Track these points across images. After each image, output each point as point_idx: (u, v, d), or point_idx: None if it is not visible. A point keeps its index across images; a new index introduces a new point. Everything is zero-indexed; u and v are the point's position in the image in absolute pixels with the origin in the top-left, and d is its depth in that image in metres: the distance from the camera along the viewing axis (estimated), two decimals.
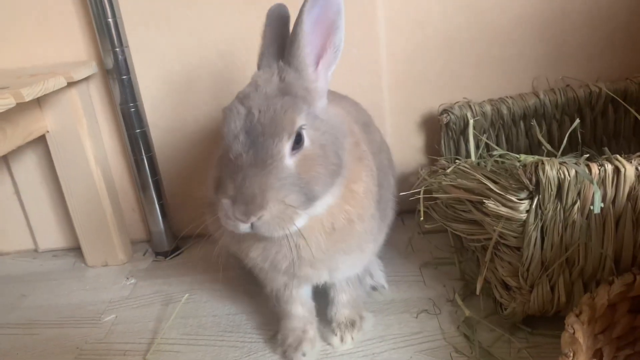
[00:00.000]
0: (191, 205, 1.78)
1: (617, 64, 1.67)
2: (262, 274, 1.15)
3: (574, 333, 0.92)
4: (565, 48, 1.65)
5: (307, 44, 0.96)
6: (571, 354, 0.87)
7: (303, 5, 0.93)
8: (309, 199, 0.90)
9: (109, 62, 1.56)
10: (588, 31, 1.63)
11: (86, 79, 1.58)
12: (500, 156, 1.49)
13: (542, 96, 1.62)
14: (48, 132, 1.57)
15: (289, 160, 0.89)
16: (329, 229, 0.99)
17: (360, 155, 1.07)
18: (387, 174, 1.27)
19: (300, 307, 1.23)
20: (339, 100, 1.15)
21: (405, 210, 1.47)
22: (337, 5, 0.96)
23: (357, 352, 1.21)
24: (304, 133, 0.92)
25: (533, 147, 1.69)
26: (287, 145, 0.89)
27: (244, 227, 0.87)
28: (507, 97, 1.64)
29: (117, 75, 1.57)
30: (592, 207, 1.00)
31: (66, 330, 1.42)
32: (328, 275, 1.10)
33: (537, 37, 1.63)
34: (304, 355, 1.17)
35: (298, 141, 0.90)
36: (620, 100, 1.59)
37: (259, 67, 1.04)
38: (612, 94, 1.59)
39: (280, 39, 1.04)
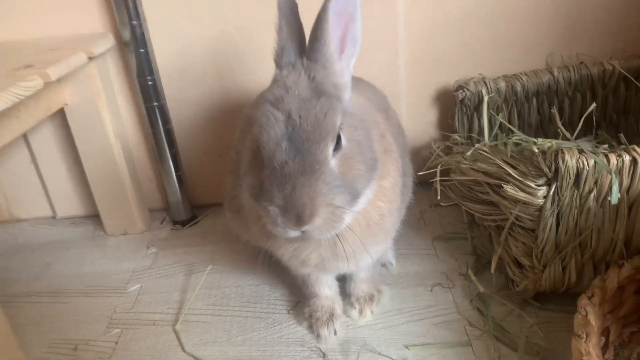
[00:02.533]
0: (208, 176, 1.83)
1: (631, 42, 1.68)
2: (289, 265, 1.17)
3: (586, 315, 0.99)
4: (580, 25, 1.66)
5: (333, 40, 0.95)
6: (584, 336, 0.95)
7: (327, 1, 0.91)
8: (354, 196, 0.92)
9: (126, 35, 1.56)
10: (603, 9, 1.63)
11: (103, 52, 1.57)
12: (515, 135, 1.52)
13: (555, 73, 1.64)
14: (67, 104, 1.58)
15: (332, 162, 0.90)
16: (364, 225, 1.01)
17: (386, 148, 1.08)
18: (405, 156, 1.30)
19: (327, 288, 1.29)
20: (356, 86, 1.14)
21: (417, 182, 1.48)
22: None
23: (376, 324, 1.29)
24: (341, 132, 0.92)
25: (544, 123, 1.72)
26: (331, 149, 0.89)
27: (294, 233, 0.88)
28: (521, 73, 1.66)
29: (135, 48, 1.57)
30: (609, 198, 1.05)
31: (94, 300, 1.49)
32: (355, 265, 1.13)
33: (552, 14, 1.63)
34: (335, 333, 1.24)
35: (337, 142, 0.90)
36: (633, 79, 1.62)
37: (278, 64, 1.00)
38: (625, 73, 1.61)
39: (297, 32, 1.00)
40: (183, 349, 1.27)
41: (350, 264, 1.06)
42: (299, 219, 0.85)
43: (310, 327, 1.28)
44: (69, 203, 1.92)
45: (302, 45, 1.00)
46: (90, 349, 1.30)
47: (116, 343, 1.31)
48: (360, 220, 1.00)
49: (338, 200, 0.88)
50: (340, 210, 0.89)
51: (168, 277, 1.55)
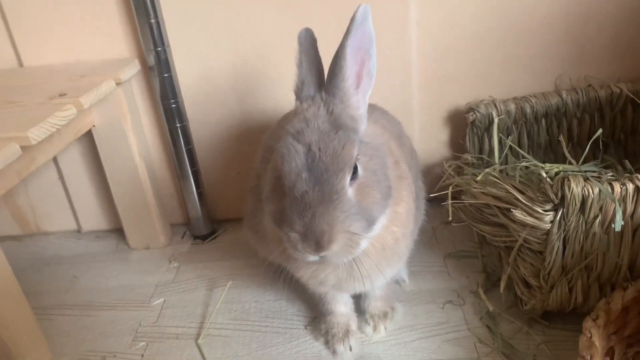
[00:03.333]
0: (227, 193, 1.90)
1: (638, 65, 1.73)
2: (307, 284, 1.22)
3: (591, 337, 1.03)
4: (588, 48, 1.71)
5: (350, 75, 1.00)
6: (589, 357, 1.00)
7: (345, 39, 0.97)
8: (370, 223, 0.96)
9: (151, 60, 1.64)
10: (610, 33, 1.68)
11: (130, 77, 1.65)
12: (524, 159, 1.57)
13: (564, 95, 1.69)
14: (94, 126, 1.66)
15: (349, 191, 0.94)
16: (379, 249, 1.06)
17: (400, 174, 1.13)
18: (418, 179, 1.35)
19: (343, 306, 1.35)
20: (371, 114, 1.17)
21: (429, 200, 1.52)
22: (370, 35, 1.00)
23: (389, 341, 1.35)
24: (357, 162, 0.97)
25: (553, 143, 1.77)
26: (348, 179, 0.94)
27: (313, 258, 0.94)
28: (530, 95, 1.71)
29: (159, 73, 1.65)
30: (613, 225, 1.10)
31: (120, 313, 1.56)
32: (371, 286, 1.18)
33: (561, 38, 1.69)
34: (350, 349, 1.30)
35: (354, 171, 0.96)
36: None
37: (298, 97, 1.06)
38: (632, 95, 1.66)
39: (316, 66, 1.06)
40: None
41: (365, 284, 1.11)
42: (318, 245, 0.90)
43: (327, 343, 1.34)
44: (93, 217, 2.00)
45: (321, 79, 1.06)
46: None
47: (142, 356, 1.38)
48: (375, 245, 1.05)
49: (355, 227, 0.93)
50: (357, 236, 0.94)
51: (190, 292, 1.62)
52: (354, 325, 1.36)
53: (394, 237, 1.09)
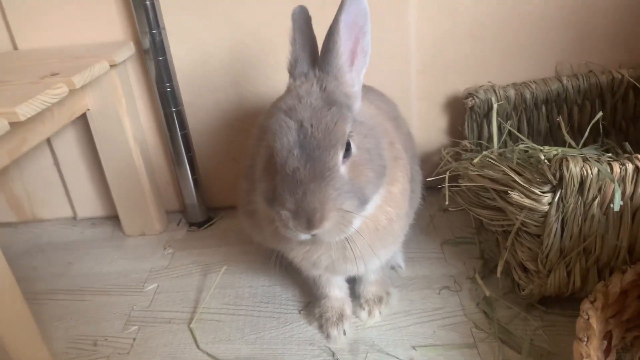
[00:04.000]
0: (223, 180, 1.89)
1: (639, 51, 1.70)
2: (300, 266, 1.21)
3: (588, 319, 1.01)
4: (589, 34, 1.68)
5: (344, 51, 0.99)
6: (585, 339, 0.97)
7: (338, 14, 0.95)
8: (362, 202, 0.95)
9: (146, 43, 1.62)
10: (612, 18, 1.66)
11: (125, 60, 1.63)
12: (522, 142, 1.55)
13: (565, 81, 1.67)
14: (89, 110, 1.64)
15: (342, 168, 0.93)
16: (372, 229, 1.05)
17: (395, 155, 1.11)
18: (415, 163, 1.33)
19: (337, 290, 1.34)
20: (366, 95, 1.16)
21: (426, 187, 1.50)
22: (365, 11, 0.98)
23: (384, 325, 1.33)
24: (351, 140, 0.95)
25: (553, 130, 1.74)
26: (340, 156, 0.92)
27: (305, 237, 0.92)
28: (530, 81, 1.69)
29: (154, 56, 1.63)
30: (612, 205, 1.08)
31: (113, 298, 1.55)
32: (364, 268, 1.17)
33: (561, 24, 1.66)
34: (344, 333, 1.28)
35: (347, 149, 0.94)
36: None
37: (291, 74, 1.04)
38: (633, 81, 1.63)
39: (310, 44, 1.05)
40: (198, 347, 1.32)
41: (359, 266, 1.09)
42: (310, 222, 0.88)
43: (321, 327, 1.32)
44: (89, 204, 1.99)
45: (314, 56, 1.05)
46: (109, 344, 1.36)
47: (134, 340, 1.36)
48: (369, 225, 1.03)
49: (347, 205, 0.92)
50: (349, 214, 0.92)
51: (184, 277, 1.61)
52: (348, 309, 1.34)
53: (387, 218, 1.07)
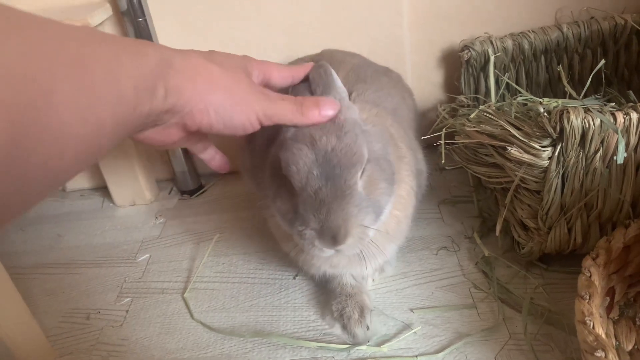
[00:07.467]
0: None
1: None
2: (320, 272, 1.19)
3: (590, 276, 0.98)
4: None
5: None
6: (587, 296, 0.94)
7: None
8: (378, 215, 0.97)
9: (123, 4, 1.53)
10: None
11: (101, 22, 1.55)
12: (520, 95, 1.48)
13: (565, 29, 1.59)
14: None
15: (359, 184, 0.94)
16: (384, 234, 1.05)
17: (399, 155, 1.11)
18: (418, 152, 1.30)
19: (351, 277, 1.25)
20: (364, 91, 1.18)
21: (423, 146, 1.47)
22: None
23: (381, 288, 1.30)
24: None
25: (553, 82, 1.68)
26: (360, 174, 0.93)
27: (329, 252, 0.95)
28: (529, 31, 1.61)
29: (133, 18, 1.54)
30: (615, 158, 1.02)
31: (105, 270, 1.51)
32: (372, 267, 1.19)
33: None
34: (368, 328, 1.16)
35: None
36: None
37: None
38: (637, 27, 1.55)
39: None
40: (192, 316, 1.29)
41: (367, 267, 1.13)
42: (335, 240, 0.90)
43: (344, 328, 1.17)
44: (78, 176, 1.92)
45: None
46: (102, 317, 1.34)
47: (127, 311, 1.34)
48: (380, 229, 1.03)
49: (367, 220, 0.94)
50: (367, 228, 0.95)
51: (176, 247, 1.57)
52: (367, 299, 1.23)
53: (396, 221, 1.09)
